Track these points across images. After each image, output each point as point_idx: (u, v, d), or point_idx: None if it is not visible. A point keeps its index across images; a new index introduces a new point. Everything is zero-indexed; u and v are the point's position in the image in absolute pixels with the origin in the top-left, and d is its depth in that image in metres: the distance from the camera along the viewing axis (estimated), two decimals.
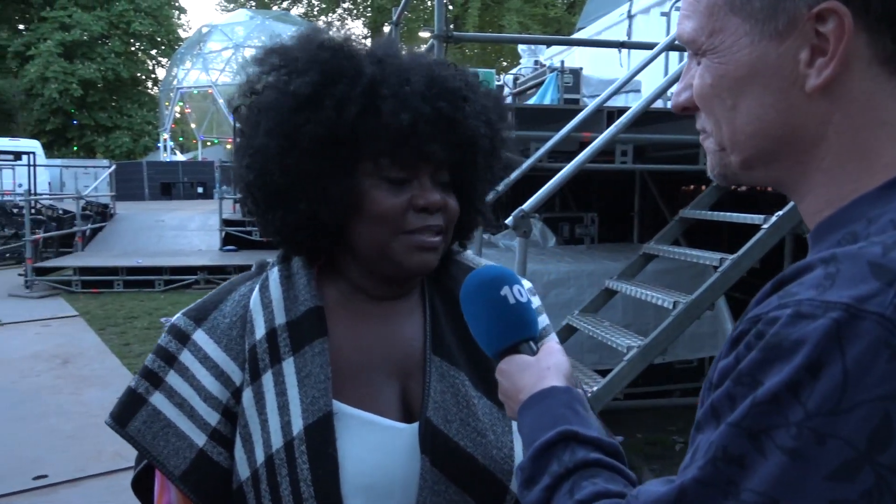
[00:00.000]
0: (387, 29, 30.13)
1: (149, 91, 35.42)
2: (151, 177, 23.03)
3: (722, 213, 4.04)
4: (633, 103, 6.24)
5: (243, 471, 0.92)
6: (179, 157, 29.27)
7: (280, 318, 0.95)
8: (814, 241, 0.62)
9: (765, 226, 3.44)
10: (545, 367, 0.79)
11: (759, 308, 0.55)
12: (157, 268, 10.83)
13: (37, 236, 11.36)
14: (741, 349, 0.54)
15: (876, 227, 0.55)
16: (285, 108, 0.90)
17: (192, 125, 30.19)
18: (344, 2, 30.58)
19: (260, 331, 0.95)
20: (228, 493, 0.94)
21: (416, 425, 0.94)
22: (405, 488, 0.92)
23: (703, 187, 4.95)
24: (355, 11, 30.98)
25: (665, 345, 3.49)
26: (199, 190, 23.07)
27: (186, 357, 0.96)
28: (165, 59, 34.08)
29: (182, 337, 0.97)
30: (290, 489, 0.88)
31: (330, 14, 31.34)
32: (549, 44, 9.21)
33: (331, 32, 0.97)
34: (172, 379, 0.95)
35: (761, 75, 0.61)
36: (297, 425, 0.90)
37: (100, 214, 14.42)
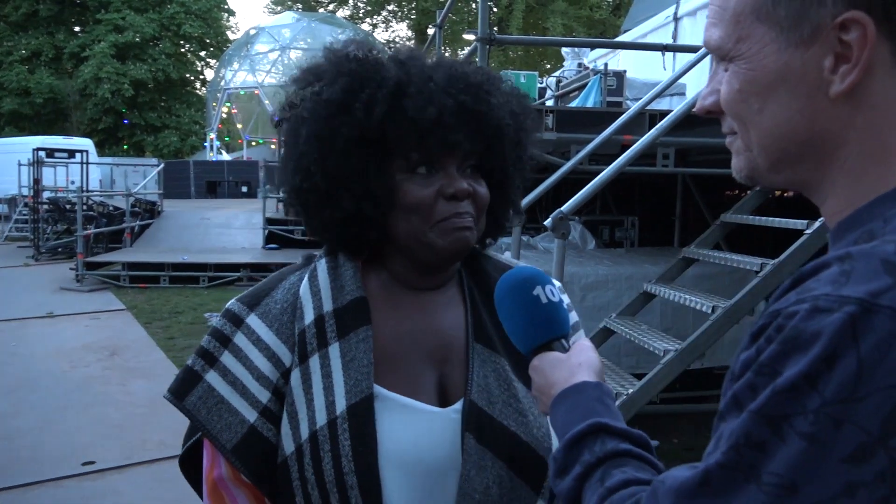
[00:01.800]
0: (430, 31, 30.23)
1: (197, 91, 36.21)
2: (198, 175, 23.53)
3: (764, 218, 3.99)
4: (678, 106, 6.20)
5: (288, 446, 0.97)
6: (225, 156, 29.84)
7: (328, 306, 1.01)
8: (833, 240, 0.65)
9: (808, 231, 3.40)
10: (576, 363, 0.82)
11: (778, 303, 0.58)
12: (202, 264, 11.08)
13: (88, 232, 11.72)
14: (762, 342, 0.57)
15: (892, 225, 0.58)
16: (321, 115, 0.98)
17: (238, 125, 30.75)
18: (389, 4, 30.78)
19: (309, 317, 1.01)
20: (275, 467, 0.99)
21: (451, 409, 0.99)
22: (442, 467, 0.96)
23: (747, 192, 4.88)
24: (400, 14, 31.17)
25: (703, 349, 3.46)
26: (244, 189, 23.50)
27: (240, 339, 1.02)
28: (214, 61, 34.80)
29: (236, 321, 1.03)
30: (332, 463, 0.94)
31: (375, 17, 31.61)
32: (590, 46, 9.16)
33: (355, 46, 1.04)
34: (226, 359, 1.01)
35: (787, 81, 0.64)
36: (341, 405, 0.96)
37: (148, 212, 14.80)
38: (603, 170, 3.71)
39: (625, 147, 4.34)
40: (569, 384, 0.79)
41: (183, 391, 1.02)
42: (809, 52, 0.62)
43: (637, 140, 3.87)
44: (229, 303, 1.07)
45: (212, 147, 29.61)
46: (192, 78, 35.86)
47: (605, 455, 0.70)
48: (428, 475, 0.96)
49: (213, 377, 1.01)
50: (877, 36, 0.59)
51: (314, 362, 0.99)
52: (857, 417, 0.50)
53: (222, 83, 29.66)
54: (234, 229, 14.26)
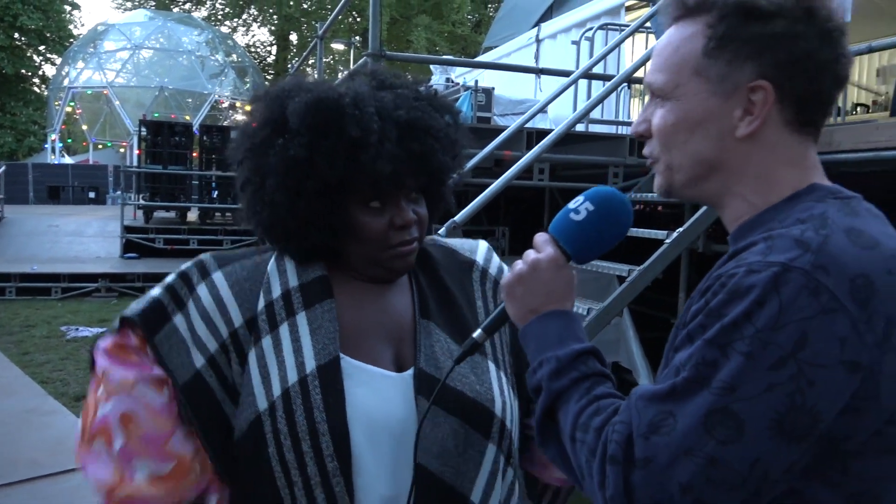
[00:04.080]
0: (293, 37, 29.78)
1: (35, 89, 33.54)
2: (37, 179, 21.88)
3: (632, 229, 4.41)
4: (541, 124, 6.64)
5: (261, 403, 1.09)
6: (68, 159, 27.86)
7: (293, 282, 1.16)
8: (736, 237, 0.90)
9: (667, 241, 3.84)
10: (573, 298, 1.00)
11: (720, 270, 0.82)
12: (54, 275, 10.39)
13: None
14: (709, 295, 0.80)
15: (786, 223, 0.83)
16: (289, 170, 1.11)
17: (84, 127, 28.83)
18: (250, 7, 30.03)
19: (276, 291, 1.15)
20: (217, 417, 1.12)
21: (406, 374, 1.14)
22: (401, 422, 1.11)
23: None
24: (261, 18, 30.51)
25: None
26: (91, 195, 22.11)
27: (202, 290, 1.15)
28: (56, 57, 32.40)
29: (203, 272, 1.17)
30: (304, 416, 1.07)
31: (235, 20, 30.73)
32: (478, 67, 9.47)
33: (308, 85, 1.15)
34: (191, 306, 1.15)
35: (708, 122, 0.88)
36: (311, 365, 1.09)
37: None
38: (484, 182, 3.98)
39: (499, 161, 4.66)
40: (570, 310, 0.98)
41: (154, 325, 1.13)
42: (728, 103, 0.87)
43: (517, 155, 4.18)
44: (203, 254, 1.20)
45: (53, 149, 27.56)
46: (30, 74, 33.17)
47: (598, 372, 0.91)
48: (391, 432, 1.10)
49: (179, 320, 1.14)
50: (774, 99, 0.85)
51: (283, 329, 1.12)
52: (778, 340, 0.73)
53: (66, 81, 27.68)
54: (87, 237, 13.45)
